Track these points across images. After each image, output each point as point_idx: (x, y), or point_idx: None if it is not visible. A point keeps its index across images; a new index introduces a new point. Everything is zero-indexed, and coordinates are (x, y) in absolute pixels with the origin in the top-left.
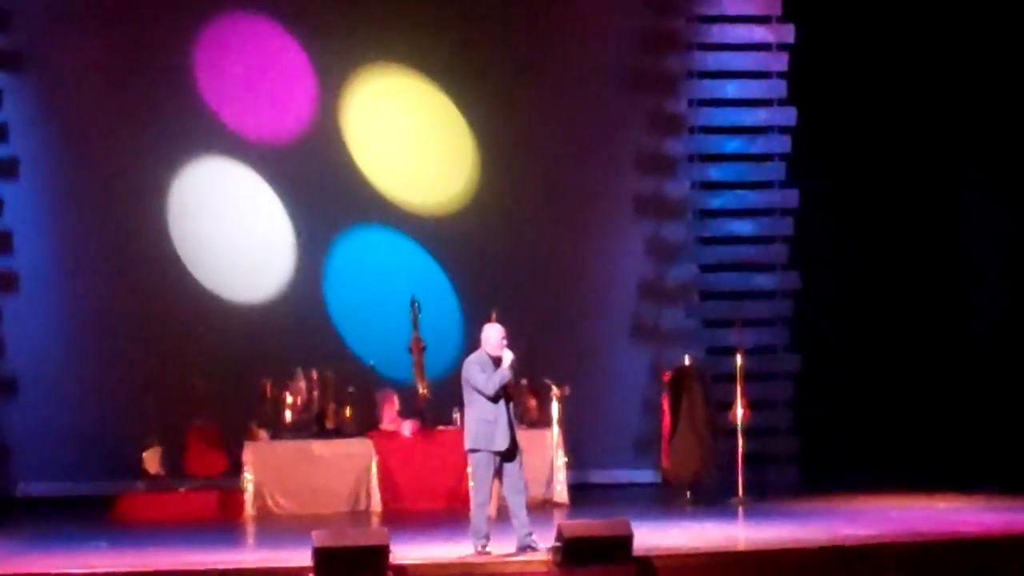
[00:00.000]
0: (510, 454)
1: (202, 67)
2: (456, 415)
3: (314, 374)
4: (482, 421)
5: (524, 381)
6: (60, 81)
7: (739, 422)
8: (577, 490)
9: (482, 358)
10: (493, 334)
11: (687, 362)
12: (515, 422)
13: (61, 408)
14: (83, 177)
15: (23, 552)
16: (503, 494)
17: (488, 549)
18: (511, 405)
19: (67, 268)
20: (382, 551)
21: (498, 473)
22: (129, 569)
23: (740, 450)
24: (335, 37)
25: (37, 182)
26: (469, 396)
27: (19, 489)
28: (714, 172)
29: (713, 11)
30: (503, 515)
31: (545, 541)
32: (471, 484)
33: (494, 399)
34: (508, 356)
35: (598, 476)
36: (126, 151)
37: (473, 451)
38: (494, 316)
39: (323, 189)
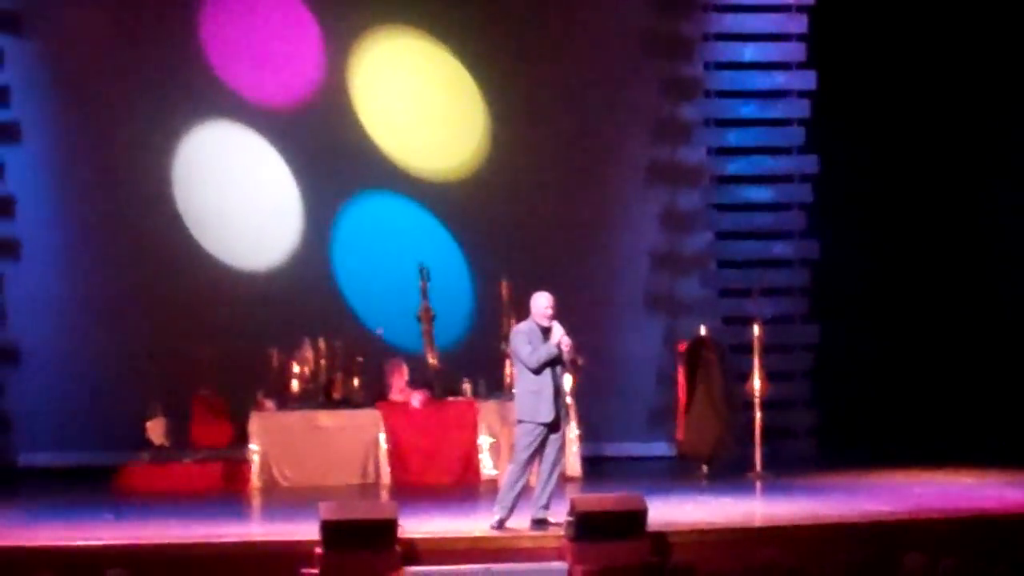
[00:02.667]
0: (554, 426)
1: (208, 29)
2: (466, 385)
3: (321, 343)
4: (526, 392)
5: (581, 362)
6: (63, 43)
7: (756, 394)
8: (590, 463)
9: (531, 327)
10: (538, 302)
11: (703, 332)
12: (565, 393)
13: (64, 377)
14: (86, 141)
15: (26, 524)
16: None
17: (507, 524)
18: (561, 375)
19: (70, 234)
20: (391, 525)
21: (542, 446)
22: (133, 541)
23: (757, 423)
24: None
25: (39, 146)
26: (516, 366)
27: (21, 459)
28: (731, 137)
29: None
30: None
31: (558, 515)
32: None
33: (536, 371)
34: (557, 332)
35: (612, 449)
36: (130, 115)
37: (519, 422)
38: (505, 286)
39: (331, 154)
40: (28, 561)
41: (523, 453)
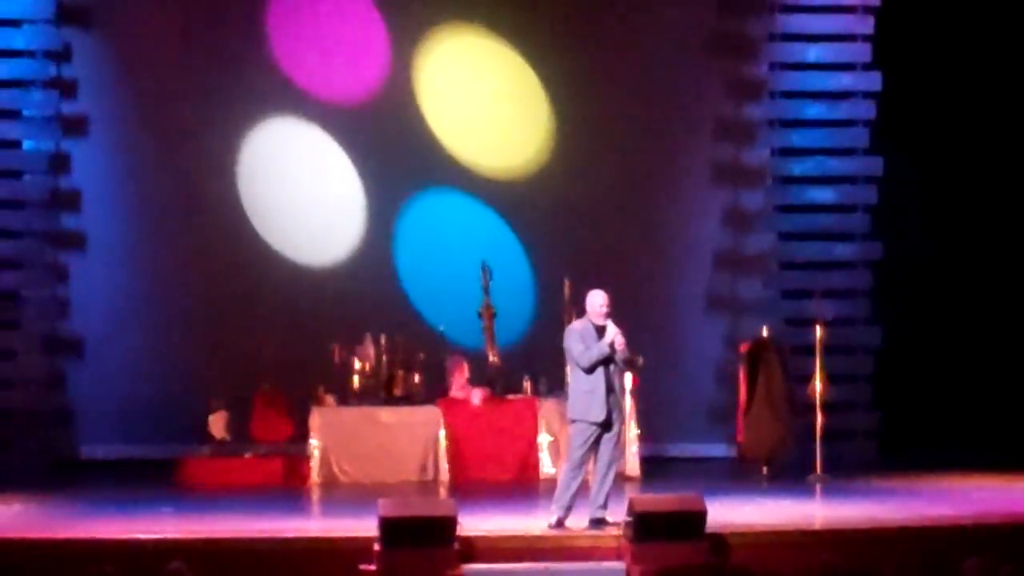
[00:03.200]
0: (607, 425)
1: (275, 25)
2: (527, 383)
3: (383, 339)
4: (579, 391)
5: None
6: (131, 38)
7: (817, 396)
8: (649, 463)
9: (585, 326)
10: (593, 300)
11: (764, 334)
12: (619, 392)
13: (126, 370)
14: (153, 136)
15: (86, 516)
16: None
17: (565, 523)
18: (614, 374)
19: (135, 228)
20: (449, 522)
21: (596, 445)
22: (192, 535)
23: (818, 425)
24: None
25: (106, 140)
26: (570, 364)
27: (83, 452)
28: (795, 138)
29: None
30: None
31: (616, 515)
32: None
33: (589, 370)
34: (611, 331)
35: (671, 449)
36: (197, 110)
37: (571, 421)
38: (567, 284)
39: (395, 151)
40: (88, 553)
41: (576, 452)
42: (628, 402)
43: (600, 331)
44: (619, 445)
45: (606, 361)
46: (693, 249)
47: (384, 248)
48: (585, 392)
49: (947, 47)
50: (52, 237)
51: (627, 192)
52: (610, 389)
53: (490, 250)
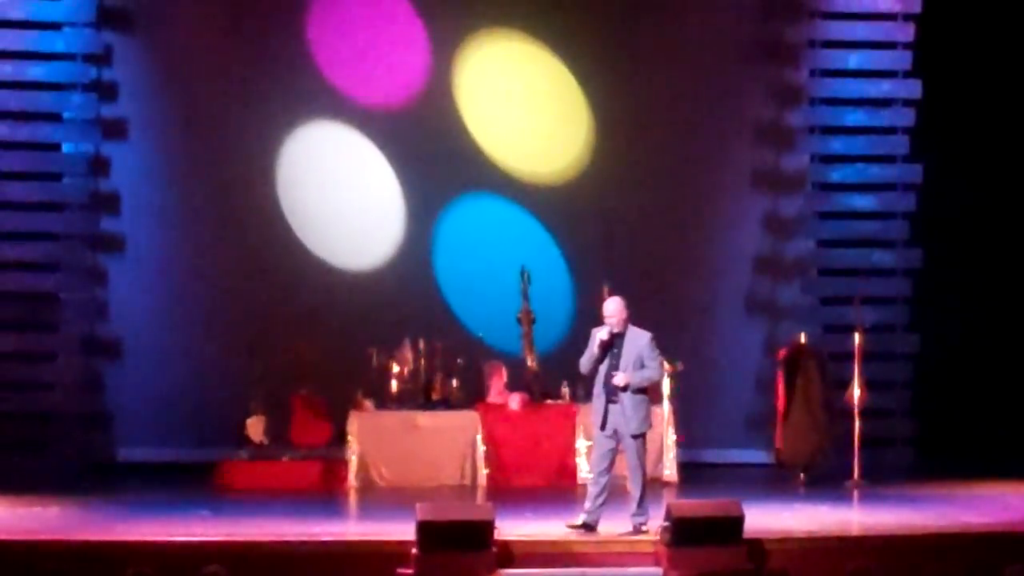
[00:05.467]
0: (613, 433)
1: (315, 30)
2: (565, 389)
3: (421, 344)
4: (592, 396)
5: (680, 367)
6: (171, 42)
7: (855, 403)
8: (687, 469)
9: (601, 330)
10: (604, 306)
11: (803, 340)
12: (626, 403)
13: (164, 373)
14: (192, 139)
15: (124, 518)
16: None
17: (585, 524)
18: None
19: (174, 231)
20: (487, 526)
21: (611, 453)
22: (230, 538)
23: (856, 432)
24: (450, 1)
25: (146, 144)
26: None
27: (120, 454)
28: (835, 144)
29: None
30: (611, 493)
31: (654, 520)
32: None
33: (589, 376)
34: (595, 335)
35: (709, 455)
36: (236, 113)
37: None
38: (606, 290)
39: (434, 155)
40: (126, 556)
41: (591, 457)
42: (667, 408)
43: (612, 338)
44: (638, 456)
45: (606, 366)
46: (732, 255)
47: (423, 253)
48: (596, 397)
49: (987, 54)
50: (91, 240)
51: (666, 198)
52: (609, 395)
53: (529, 255)
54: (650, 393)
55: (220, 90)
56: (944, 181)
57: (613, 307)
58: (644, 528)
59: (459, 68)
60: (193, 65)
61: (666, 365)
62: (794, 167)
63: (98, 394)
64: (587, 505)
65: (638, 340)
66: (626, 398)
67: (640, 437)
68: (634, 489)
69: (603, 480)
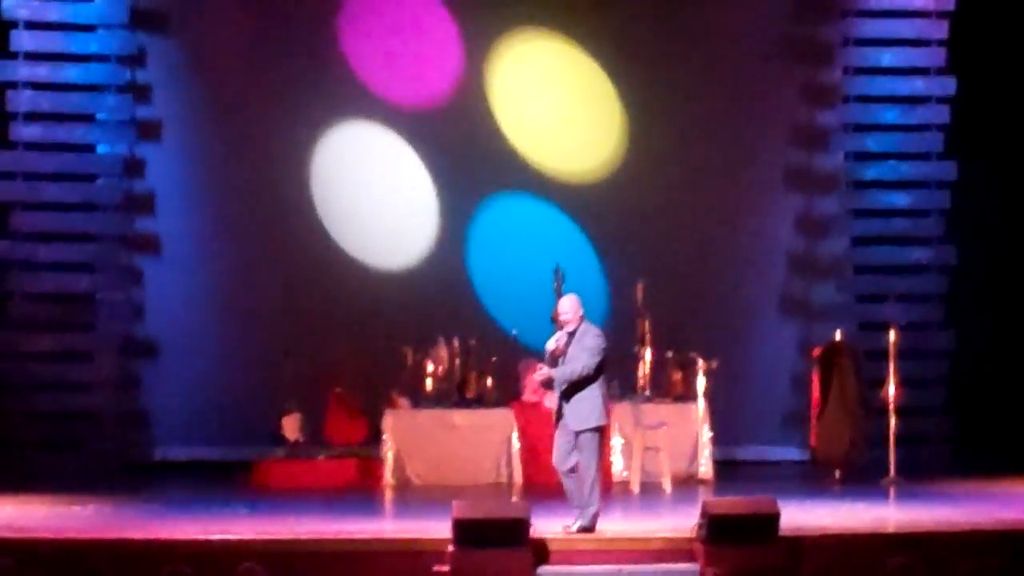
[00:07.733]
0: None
1: (348, 29)
2: None
3: (456, 342)
4: None
5: (714, 365)
6: (204, 42)
7: (891, 400)
8: (723, 466)
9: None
10: (559, 304)
11: (838, 337)
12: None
13: (200, 372)
14: (226, 140)
15: (161, 517)
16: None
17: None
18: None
19: (208, 232)
20: (522, 524)
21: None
22: (266, 536)
23: (892, 429)
24: (482, 0)
25: (180, 144)
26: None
27: (157, 453)
28: (869, 142)
29: None
30: (646, 491)
31: (690, 517)
32: None
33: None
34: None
35: (744, 452)
36: (270, 114)
37: None
38: (640, 288)
39: (467, 155)
40: (163, 554)
41: (555, 457)
42: (702, 405)
43: (561, 348)
44: (587, 452)
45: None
46: (767, 253)
47: (457, 251)
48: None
49: (1021, 51)
50: (126, 240)
51: (700, 196)
52: (563, 390)
53: (563, 254)
54: (685, 390)
55: (254, 90)
56: (978, 178)
57: (568, 305)
58: (572, 530)
59: (492, 67)
60: (227, 66)
61: (701, 362)
62: (828, 165)
63: (135, 394)
64: (572, 504)
65: (583, 337)
66: (569, 393)
67: (589, 432)
68: (579, 487)
69: (573, 476)
